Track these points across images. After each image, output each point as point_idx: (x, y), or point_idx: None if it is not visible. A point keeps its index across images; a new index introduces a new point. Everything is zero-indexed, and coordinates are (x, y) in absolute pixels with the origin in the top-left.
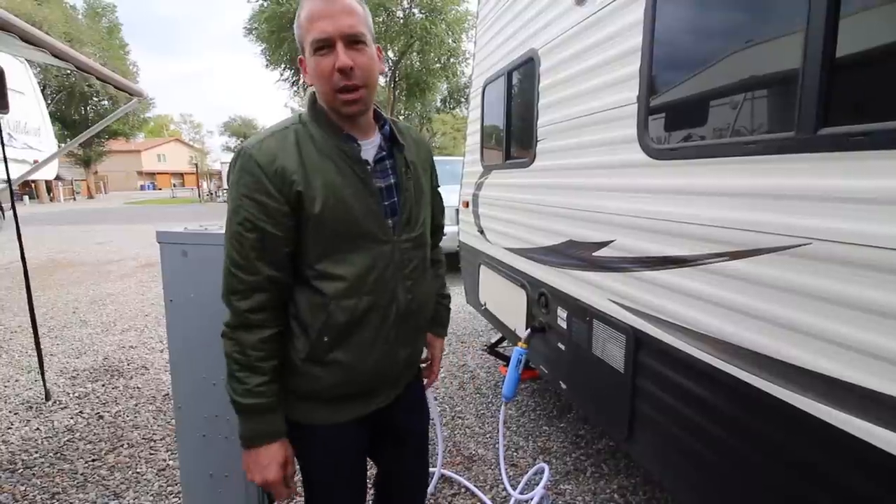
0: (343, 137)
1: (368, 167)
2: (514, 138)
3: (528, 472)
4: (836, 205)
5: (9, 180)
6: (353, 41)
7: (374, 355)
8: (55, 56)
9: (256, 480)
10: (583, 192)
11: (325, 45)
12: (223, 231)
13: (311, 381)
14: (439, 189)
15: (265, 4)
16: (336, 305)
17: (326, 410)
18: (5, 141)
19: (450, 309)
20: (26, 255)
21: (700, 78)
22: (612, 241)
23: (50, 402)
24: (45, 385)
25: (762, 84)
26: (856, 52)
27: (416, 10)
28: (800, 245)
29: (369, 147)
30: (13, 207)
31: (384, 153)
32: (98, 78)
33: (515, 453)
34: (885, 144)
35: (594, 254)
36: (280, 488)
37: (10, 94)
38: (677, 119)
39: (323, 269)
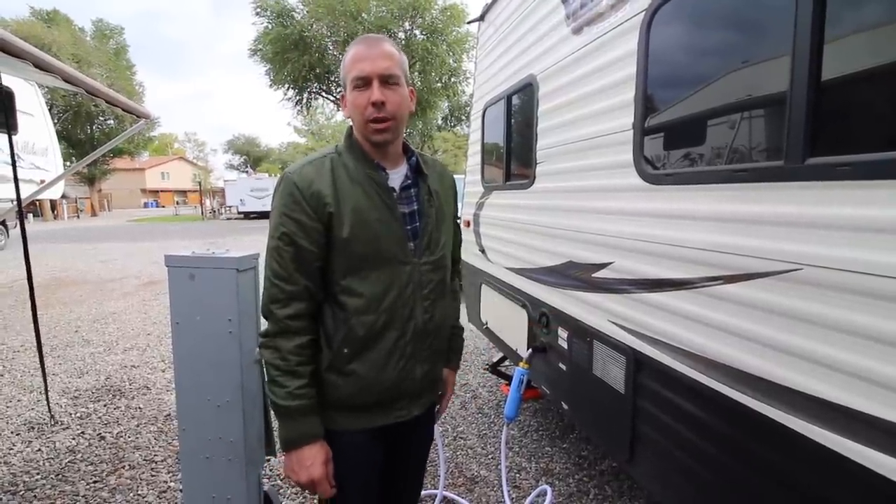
0: (373, 166)
1: (394, 193)
2: (514, 160)
3: (530, 494)
4: (825, 232)
5: (19, 200)
6: (387, 81)
7: (391, 369)
8: (66, 81)
9: (302, 480)
10: (582, 214)
11: (363, 83)
12: (229, 255)
13: (330, 390)
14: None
15: (270, 26)
16: (357, 320)
17: (344, 417)
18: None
19: (462, 339)
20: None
21: (693, 107)
22: (611, 263)
23: (52, 425)
24: (49, 408)
25: (753, 115)
26: (840, 87)
27: (417, 32)
28: (791, 270)
29: (396, 175)
30: (22, 229)
31: (410, 181)
32: (107, 101)
33: (518, 475)
34: (869, 175)
35: (594, 275)
36: (325, 485)
37: (19, 116)
38: (672, 146)
39: (347, 285)
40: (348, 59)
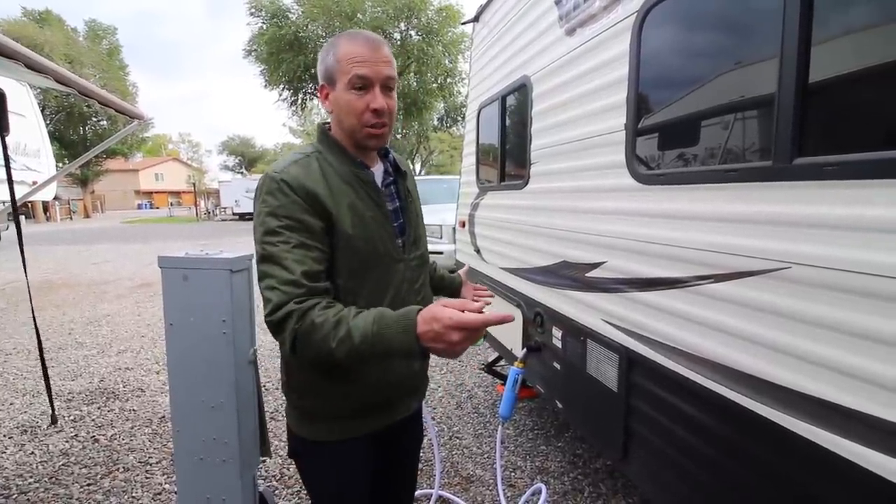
0: (357, 164)
1: (380, 191)
2: (509, 160)
3: (525, 492)
4: (812, 231)
5: (13, 201)
6: (387, 87)
7: (394, 367)
8: (58, 82)
9: (451, 340)
10: (575, 214)
11: (364, 86)
12: (223, 255)
13: (337, 400)
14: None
15: (265, 27)
16: None
17: (345, 427)
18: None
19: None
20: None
21: (684, 108)
22: (604, 263)
23: (46, 426)
24: (52, 409)
25: (742, 116)
26: (828, 89)
27: (412, 33)
28: (780, 269)
29: (378, 173)
30: (18, 230)
31: (391, 178)
32: (100, 102)
33: (513, 473)
34: (855, 174)
35: (587, 274)
36: (464, 320)
37: (10, 117)
38: (663, 146)
39: (349, 288)
40: (344, 56)
